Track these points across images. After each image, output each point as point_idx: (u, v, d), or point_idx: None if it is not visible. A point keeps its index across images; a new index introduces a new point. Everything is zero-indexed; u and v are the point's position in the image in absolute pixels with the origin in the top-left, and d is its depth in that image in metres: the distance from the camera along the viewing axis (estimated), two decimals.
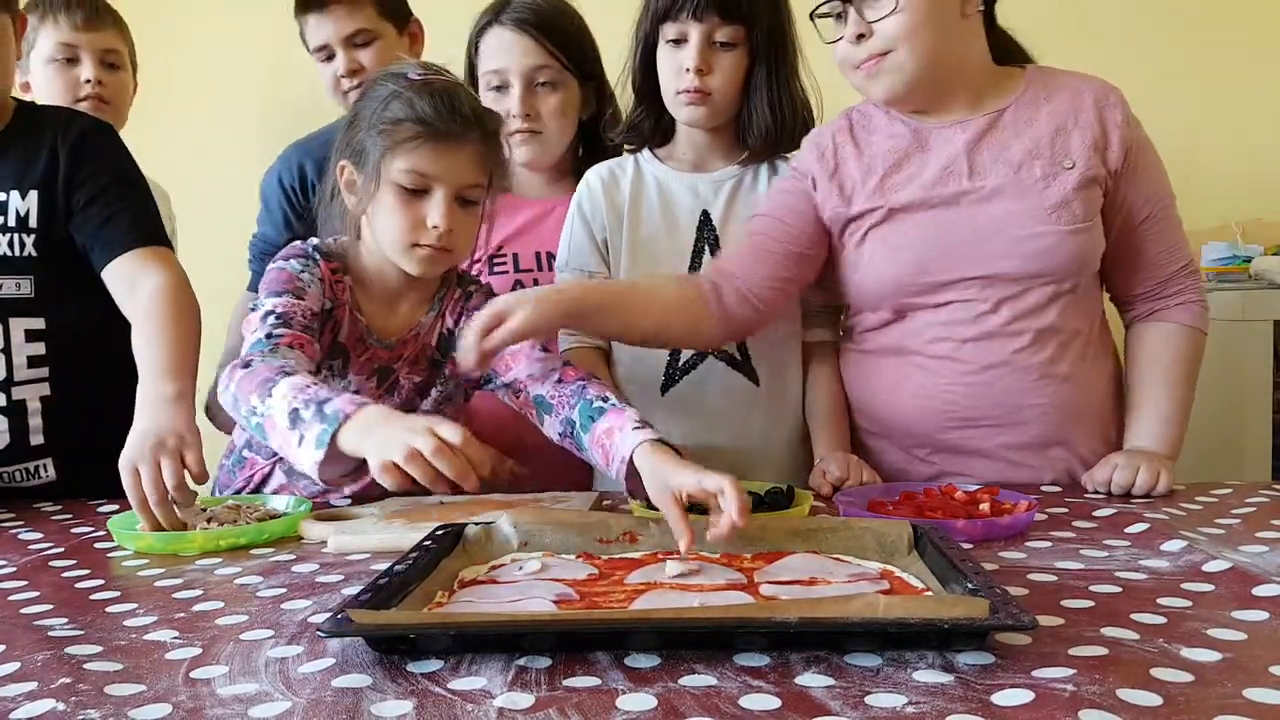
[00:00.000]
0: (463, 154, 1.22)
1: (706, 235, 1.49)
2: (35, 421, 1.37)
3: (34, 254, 1.36)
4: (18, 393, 1.35)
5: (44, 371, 1.37)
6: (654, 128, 1.49)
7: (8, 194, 1.36)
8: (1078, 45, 2.58)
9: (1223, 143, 2.61)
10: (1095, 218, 1.28)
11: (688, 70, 1.37)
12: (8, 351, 1.35)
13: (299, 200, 1.82)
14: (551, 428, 1.24)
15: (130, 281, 1.35)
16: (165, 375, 1.22)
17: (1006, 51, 1.37)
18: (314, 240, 1.31)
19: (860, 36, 1.25)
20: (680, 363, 1.47)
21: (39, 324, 1.37)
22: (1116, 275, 1.37)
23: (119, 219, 1.39)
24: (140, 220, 1.41)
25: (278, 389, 1.08)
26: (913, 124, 1.33)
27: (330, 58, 1.80)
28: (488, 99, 1.54)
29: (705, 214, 1.48)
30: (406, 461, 0.96)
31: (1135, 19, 2.60)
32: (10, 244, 1.35)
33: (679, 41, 1.38)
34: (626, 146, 1.56)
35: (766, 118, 1.41)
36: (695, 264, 1.48)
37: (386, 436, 0.98)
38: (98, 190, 1.39)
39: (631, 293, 1.33)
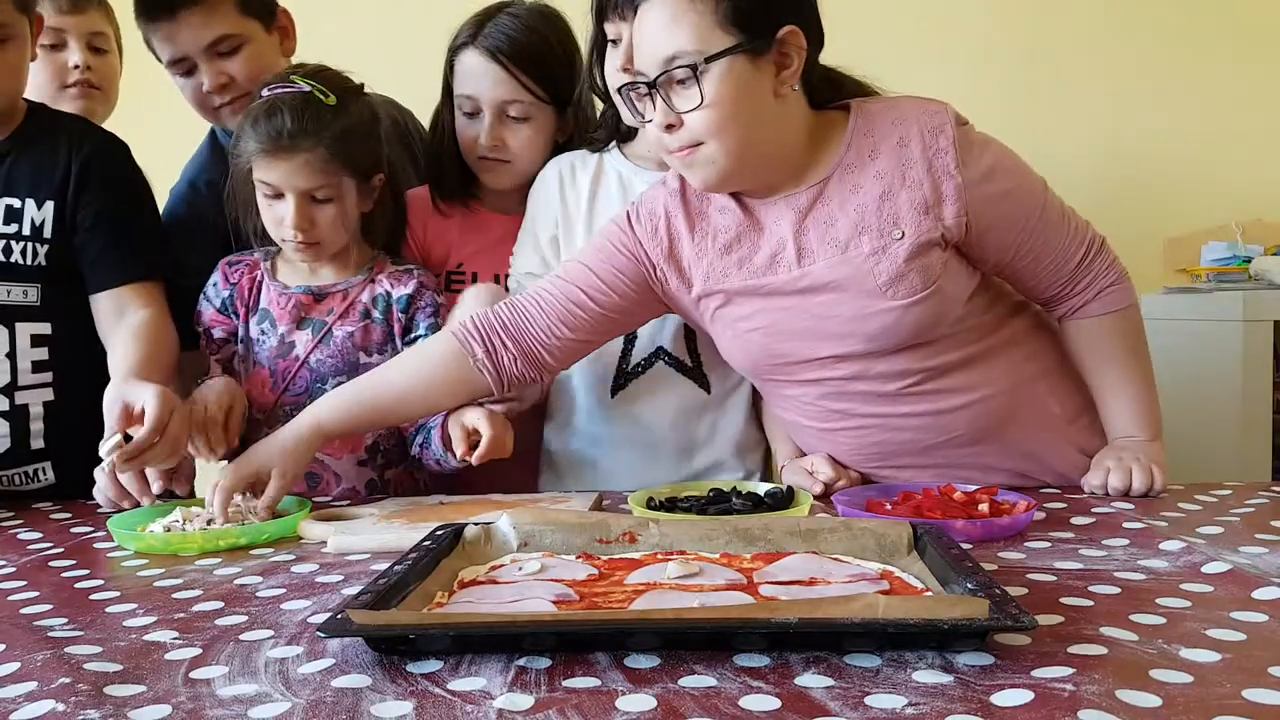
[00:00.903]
0: (296, 163, 1.35)
1: None
2: (36, 426, 1.37)
3: (44, 263, 1.36)
4: (20, 397, 1.36)
5: (47, 376, 1.37)
6: (618, 125, 1.44)
7: (23, 202, 1.35)
8: (1077, 47, 2.60)
9: (1223, 143, 2.61)
10: (938, 279, 1.19)
11: (619, 70, 1.33)
12: (13, 356, 1.35)
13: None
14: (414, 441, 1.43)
15: (118, 313, 1.38)
16: (144, 369, 1.28)
17: (832, 86, 1.27)
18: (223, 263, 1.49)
19: (670, 126, 1.16)
20: (630, 366, 1.45)
21: (45, 329, 1.37)
22: (1020, 287, 1.31)
23: (117, 248, 1.40)
24: (139, 251, 1.42)
25: None
26: (741, 196, 1.26)
27: (190, 71, 1.56)
28: (461, 122, 1.52)
29: None
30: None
31: (1137, 21, 2.61)
32: (23, 252, 1.35)
33: (616, 42, 1.33)
34: (589, 147, 1.50)
35: None
36: None
37: None
38: (101, 213, 1.39)
39: (383, 395, 1.30)
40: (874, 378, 1.23)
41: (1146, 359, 1.32)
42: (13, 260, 1.35)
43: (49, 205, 1.36)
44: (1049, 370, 1.32)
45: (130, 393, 1.21)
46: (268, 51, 1.58)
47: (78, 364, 1.39)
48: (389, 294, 1.44)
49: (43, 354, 1.37)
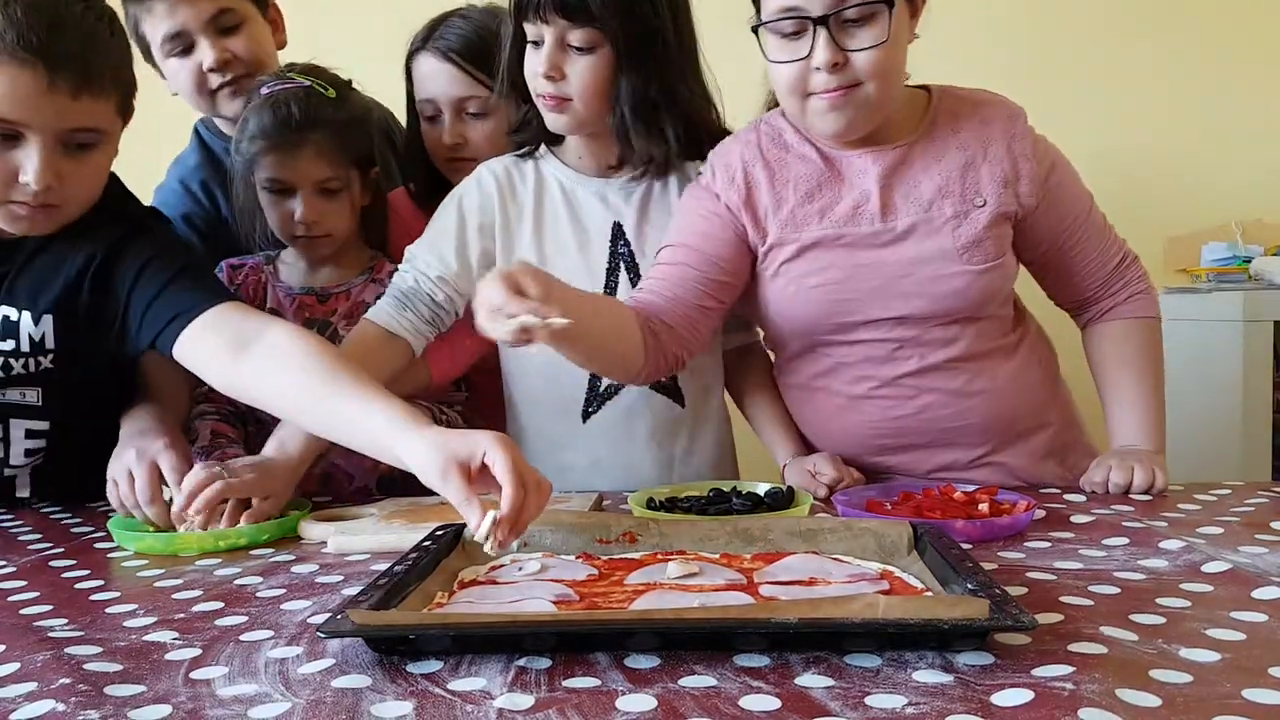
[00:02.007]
0: (304, 155, 1.36)
1: (620, 250, 1.37)
2: (22, 479, 1.34)
3: (50, 367, 1.25)
4: (9, 472, 1.32)
5: (39, 455, 1.32)
6: (541, 128, 1.34)
7: (20, 314, 1.22)
8: (1077, 46, 2.60)
9: (1223, 143, 2.61)
10: (1006, 253, 1.25)
11: (541, 75, 1.27)
12: (6, 441, 1.28)
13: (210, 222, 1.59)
14: None
15: (238, 341, 1.14)
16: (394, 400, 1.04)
17: None
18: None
19: (836, 64, 1.14)
20: (602, 388, 1.38)
21: (43, 425, 1.30)
22: (1056, 288, 1.37)
23: (195, 276, 1.23)
24: (211, 281, 1.27)
25: None
26: (823, 147, 1.26)
27: (188, 49, 1.48)
28: (424, 126, 1.51)
29: (618, 226, 1.37)
30: None
31: (1137, 20, 2.61)
32: (24, 365, 1.24)
33: (537, 43, 1.27)
34: (516, 152, 1.41)
35: (637, 127, 1.29)
36: (610, 283, 1.37)
37: None
38: (151, 259, 1.22)
39: (596, 318, 1.15)
40: (925, 344, 1.26)
41: (1161, 374, 1.35)
42: (13, 374, 1.24)
43: (46, 320, 1.22)
44: (1052, 379, 1.38)
45: (457, 446, 0.93)
46: (265, 36, 1.55)
47: (70, 439, 1.32)
48: None
49: (38, 443, 1.30)
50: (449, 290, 1.35)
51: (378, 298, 1.41)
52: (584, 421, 1.40)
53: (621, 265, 1.37)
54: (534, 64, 1.27)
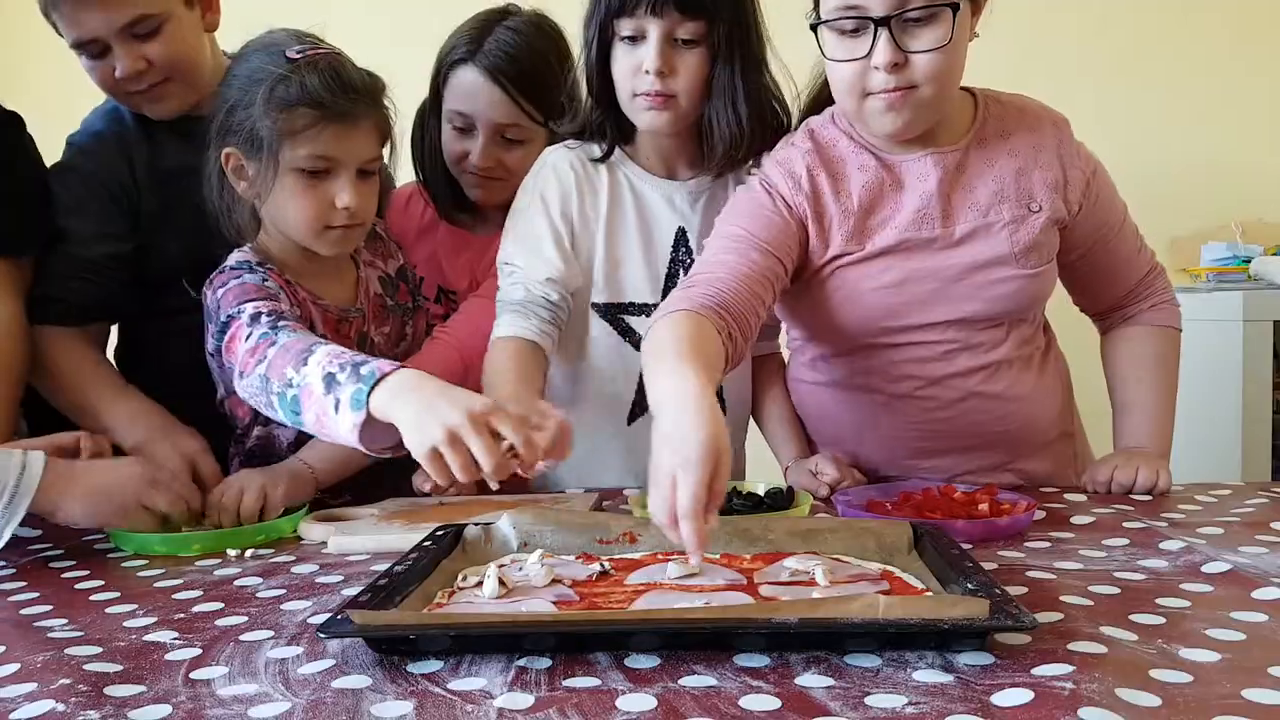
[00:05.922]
0: (360, 130, 1.21)
1: (682, 257, 1.36)
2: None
3: None
4: None
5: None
6: (615, 131, 1.32)
7: None
8: (1077, 47, 2.60)
9: (1224, 143, 2.62)
10: (1054, 257, 1.26)
11: (647, 71, 1.22)
12: None
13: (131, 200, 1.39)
14: None
15: None
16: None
17: None
18: (238, 255, 1.26)
19: (896, 65, 1.12)
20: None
21: None
22: (1085, 293, 1.38)
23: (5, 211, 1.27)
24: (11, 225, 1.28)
25: (313, 357, 1.06)
26: (880, 153, 1.24)
27: (101, 53, 1.31)
28: (449, 134, 1.46)
29: (681, 231, 1.36)
30: (447, 446, 0.92)
31: (1138, 21, 2.61)
32: None
33: (635, 39, 1.23)
34: (586, 150, 1.36)
35: (732, 124, 1.27)
36: (669, 289, 1.34)
37: (422, 409, 0.95)
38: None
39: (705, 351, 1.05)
40: (972, 346, 1.26)
41: (1174, 383, 1.36)
42: None
43: None
44: (1069, 388, 1.40)
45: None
46: (189, 29, 1.35)
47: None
48: (386, 273, 1.40)
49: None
50: (560, 288, 1.31)
51: (381, 279, 1.39)
52: (629, 424, 1.38)
53: (681, 272, 1.34)
54: (635, 60, 1.23)
